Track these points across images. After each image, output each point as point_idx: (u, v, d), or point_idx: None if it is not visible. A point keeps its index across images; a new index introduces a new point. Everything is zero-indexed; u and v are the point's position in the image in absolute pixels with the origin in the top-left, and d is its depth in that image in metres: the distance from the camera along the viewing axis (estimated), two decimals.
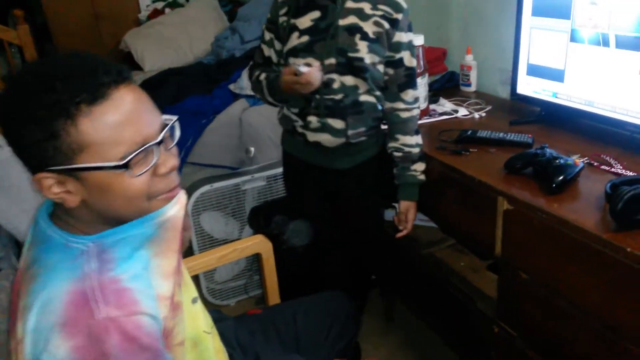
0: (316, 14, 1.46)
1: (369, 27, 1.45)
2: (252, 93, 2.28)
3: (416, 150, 1.57)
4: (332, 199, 1.72)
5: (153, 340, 0.75)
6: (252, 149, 2.34)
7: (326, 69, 1.46)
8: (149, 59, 3.41)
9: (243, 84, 2.59)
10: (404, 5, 1.48)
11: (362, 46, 1.45)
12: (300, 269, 1.93)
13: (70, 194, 0.76)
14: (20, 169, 1.76)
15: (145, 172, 0.77)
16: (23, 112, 0.71)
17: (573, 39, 1.53)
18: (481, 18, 2.08)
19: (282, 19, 1.51)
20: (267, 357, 1.24)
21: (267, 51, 1.58)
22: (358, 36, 1.44)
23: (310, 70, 1.38)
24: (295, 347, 1.30)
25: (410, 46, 1.52)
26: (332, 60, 1.46)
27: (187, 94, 2.72)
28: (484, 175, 1.40)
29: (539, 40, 1.64)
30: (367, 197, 1.72)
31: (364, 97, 1.50)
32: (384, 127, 1.65)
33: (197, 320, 0.96)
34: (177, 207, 0.87)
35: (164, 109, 0.83)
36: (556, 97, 1.63)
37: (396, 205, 1.66)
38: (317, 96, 1.49)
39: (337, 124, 1.51)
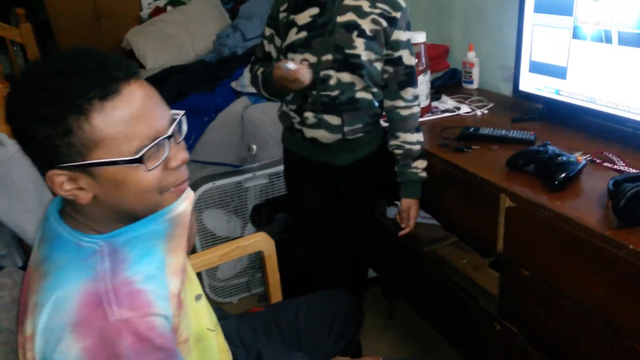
0: (315, 10, 1.47)
1: (366, 25, 1.45)
2: (254, 91, 2.29)
3: (417, 147, 1.57)
4: (332, 195, 1.73)
5: (166, 341, 0.76)
6: (254, 147, 2.34)
7: (323, 65, 1.47)
8: (151, 57, 3.41)
9: (245, 81, 2.59)
10: (403, 3, 1.49)
11: (359, 43, 1.45)
12: (302, 266, 1.94)
13: (82, 190, 0.76)
14: (22, 168, 1.77)
15: (157, 165, 0.77)
16: (35, 109, 0.71)
17: (575, 35, 1.52)
18: (483, 15, 2.08)
19: (282, 15, 1.52)
20: (270, 355, 1.24)
21: (267, 46, 1.60)
22: (355, 33, 1.45)
23: (298, 68, 1.39)
24: (297, 344, 1.30)
25: (409, 44, 1.52)
26: (329, 57, 1.46)
27: (189, 91, 2.72)
28: (486, 172, 1.39)
29: (541, 37, 1.64)
30: (366, 193, 1.73)
31: (360, 94, 1.51)
32: (384, 124, 1.66)
33: (200, 318, 0.96)
34: (185, 203, 0.89)
35: None
36: (558, 94, 1.63)
37: (398, 203, 1.66)
38: (314, 92, 1.50)
39: (333, 120, 1.52)
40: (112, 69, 0.73)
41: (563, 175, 1.24)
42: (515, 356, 1.45)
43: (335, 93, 1.49)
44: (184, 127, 0.84)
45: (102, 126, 0.71)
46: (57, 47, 4.26)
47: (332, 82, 1.48)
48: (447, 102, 1.94)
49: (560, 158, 1.28)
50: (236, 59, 3.05)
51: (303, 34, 1.48)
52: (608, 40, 1.43)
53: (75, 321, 0.71)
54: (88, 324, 0.71)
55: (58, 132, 0.71)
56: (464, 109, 1.87)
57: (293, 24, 1.49)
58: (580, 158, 1.30)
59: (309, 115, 1.54)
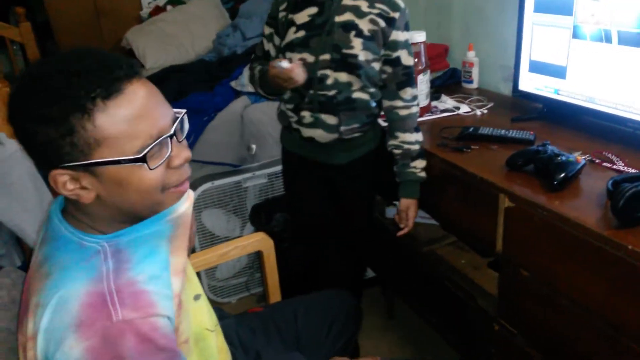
0: (313, 10, 1.47)
1: (364, 25, 1.46)
2: (253, 90, 2.29)
3: (415, 147, 1.57)
4: (329, 194, 1.73)
5: (169, 341, 0.76)
6: (254, 147, 2.34)
7: (320, 65, 1.47)
8: (151, 56, 3.41)
9: (244, 81, 2.59)
10: (401, 4, 1.49)
11: (357, 43, 1.45)
12: (301, 266, 1.94)
13: (85, 190, 0.76)
14: (21, 167, 1.77)
15: (160, 164, 0.77)
16: (38, 109, 0.71)
17: (575, 35, 1.52)
18: (483, 14, 2.07)
19: (281, 14, 1.53)
20: (268, 355, 1.24)
21: (267, 45, 1.61)
22: (353, 33, 1.45)
23: (292, 67, 1.39)
24: (296, 345, 1.30)
25: (407, 45, 1.52)
26: (327, 56, 1.47)
27: (188, 91, 2.72)
28: (485, 172, 1.39)
29: (541, 36, 1.64)
30: (363, 193, 1.73)
31: (357, 94, 1.51)
32: (384, 124, 1.66)
33: (198, 318, 0.96)
34: (187, 204, 0.89)
35: None
36: (558, 93, 1.63)
37: (397, 203, 1.66)
38: (311, 92, 1.50)
39: (330, 119, 1.52)
40: (114, 68, 0.73)
41: (562, 175, 1.24)
42: (514, 356, 1.45)
43: (332, 93, 1.49)
44: (186, 126, 0.84)
45: (105, 125, 0.71)
46: (56, 46, 4.26)
47: (330, 81, 1.48)
48: (447, 102, 1.94)
49: (559, 158, 1.27)
50: (236, 58, 3.04)
51: (301, 33, 1.48)
52: (608, 39, 1.43)
53: (78, 321, 0.71)
54: (91, 324, 0.71)
55: (61, 132, 0.70)
56: (464, 108, 1.87)
57: (292, 23, 1.49)
58: (580, 158, 1.30)
59: (306, 114, 1.54)
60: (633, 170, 1.30)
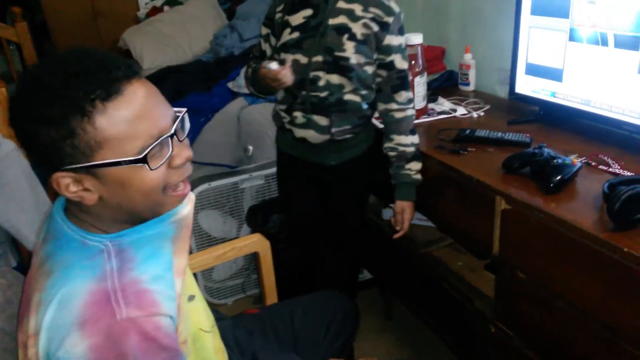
0: (308, 12, 1.49)
1: (357, 29, 1.47)
2: (250, 91, 2.29)
3: (411, 149, 1.57)
4: (321, 195, 1.74)
5: (171, 341, 0.76)
6: (251, 148, 2.34)
7: (313, 66, 1.49)
8: (148, 56, 3.40)
9: (241, 82, 2.59)
10: (396, 9, 1.49)
11: (349, 46, 1.46)
12: (297, 267, 1.94)
13: (88, 191, 0.76)
14: (17, 167, 1.76)
15: (161, 164, 0.77)
16: (38, 112, 0.71)
17: (572, 38, 1.53)
18: (480, 17, 2.08)
19: (278, 15, 1.54)
20: (265, 356, 1.24)
21: (264, 45, 1.62)
22: (346, 36, 1.46)
23: (280, 69, 1.42)
24: (293, 346, 1.30)
25: (401, 49, 1.53)
26: (319, 58, 1.48)
27: (186, 92, 2.72)
28: (482, 174, 1.39)
29: (538, 39, 1.64)
30: (355, 194, 1.74)
31: (348, 96, 1.52)
32: (380, 125, 1.66)
33: (193, 318, 0.95)
34: (190, 206, 0.90)
35: None
36: (554, 96, 1.63)
37: (393, 205, 1.66)
38: (303, 92, 1.52)
39: (322, 120, 1.54)
40: (113, 69, 0.72)
41: (558, 177, 1.24)
42: (512, 358, 1.45)
43: (324, 94, 1.51)
44: (187, 125, 0.84)
45: (105, 127, 0.71)
46: (53, 46, 4.26)
47: (321, 83, 1.50)
48: (444, 104, 1.95)
49: (555, 160, 1.28)
50: (233, 59, 3.05)
51: (296, 34, 1.49)
52: (604, 42, 1.44)
53: (82, 319, 0.71)
54: (95, 322, 0.71)
55: (61, 134, 0.70)
56: (460, 110, 1.87)
57: (287, 24, 1.51)
58: (576, 161, 1.30)
59: (298, 115, 1.55)
60: (629, 173, 1.30)
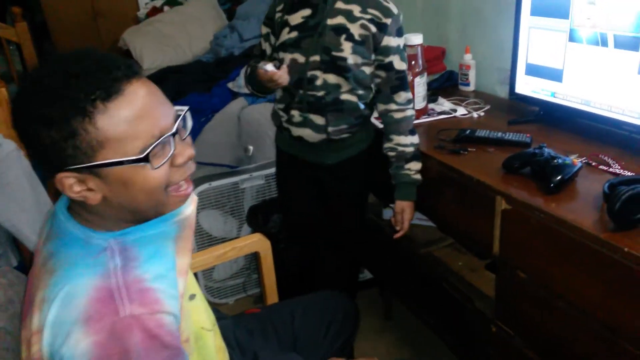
0: (307, 12, 1.50)
1: (355, 29, 1.47)
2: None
3: (410, 149, 1.57)
4: (318, 194, 1.74)
5: (174, 339, 0.76)
6: (251, 148, 2.34)
7: (311, 66, 1.50)
8: (148, 57, 3.41)
9: (242, 82, 2.59)
10: (395, 10, 1.50)
11: (347, 47, 1.47)
12: (298, 267, 1.94)
13: (91, 191, 0.76)
14: (18, 167, 1.76)
15: (164, 163, 0.77)
16: (40, 113, 0.71)
17: (572, 38, 1.53)
18: (480, 17, 2.08)
19: (277, 15, 1.56)
20: (266, 356, 1.24)
21: (264, 45, 1.64)
22: (344, 36, 1.47)
23: (274, 71, 1.43)
24: (294, 346, 1.30)
25: (399, 50, 1.53)
26: (317, 58, 1.49)
27: (186, 92, 2.72)
28: (482, 174, 1.40)
29: (538, 39, 1.64)
30: (352, 194, 1.74)
31: (345, 96, 1.53)
32: (380, 125, 1.66)
33: (194, 317, 0.96)
34: (192, 207, 0.91)
35: None
36: (554, 96, 1.63)
37: (393, 205, 1.66)
38: (301, 91, 1.53)
39: (318, 119, 1.55)
40: (113, 69, 0.73)
41: (559, 177, 1.24)
42: (512, 358, 1.46)
43: (321, 93, 1.51)
44: (189, 123, 0.84)
45: (106, 127, 0.71)
46: (53, 46, 4.26)
47: (319, 82, 1.51)
48: (444, 104, 1.95)
49: (556, 161, 1.28)
50: (233, 59, 3.05)
51: (294, 34, 1.50)
52: (604, 43, 1.44)
53: (86, 316, 0.72)
54: (99, 319, 0.72)
55: (62, 135, 0.71)
56: (461, 111, 1.87)
57: (286, 23, 1.52)
58: (576, 161, 1.30)
59: (295, 113, 1.56)
60: (629, 173, 1.31)
